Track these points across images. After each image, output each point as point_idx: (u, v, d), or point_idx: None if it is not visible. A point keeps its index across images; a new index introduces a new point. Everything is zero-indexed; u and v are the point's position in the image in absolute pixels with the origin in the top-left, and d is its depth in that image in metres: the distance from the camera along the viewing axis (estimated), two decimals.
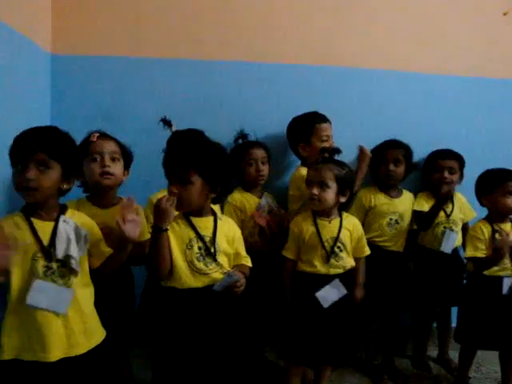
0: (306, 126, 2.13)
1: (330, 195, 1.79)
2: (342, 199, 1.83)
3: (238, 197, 2.06)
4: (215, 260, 1.51)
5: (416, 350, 2.40)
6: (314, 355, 1.80)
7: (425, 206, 2.26)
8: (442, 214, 2.25)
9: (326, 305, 1.77)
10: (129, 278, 1.76)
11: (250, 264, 1.64)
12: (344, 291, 1.80)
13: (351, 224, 1.89)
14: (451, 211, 2.27)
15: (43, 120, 2.05)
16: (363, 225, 2.23)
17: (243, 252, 1.64)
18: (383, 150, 2.26)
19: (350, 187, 1.85)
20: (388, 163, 2.24)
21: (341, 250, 1.83)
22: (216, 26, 2.25)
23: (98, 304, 1.47)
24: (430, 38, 2.41)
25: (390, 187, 2.29)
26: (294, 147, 2.19)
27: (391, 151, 2.26)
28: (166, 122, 1.97)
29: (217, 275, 1.51)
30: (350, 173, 1.87)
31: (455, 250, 2.26)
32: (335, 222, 1.85)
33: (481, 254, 1.98)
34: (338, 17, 2.35)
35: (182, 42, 2.23)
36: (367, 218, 2.25)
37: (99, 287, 1.51)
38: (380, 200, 2.25)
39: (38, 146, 1.29)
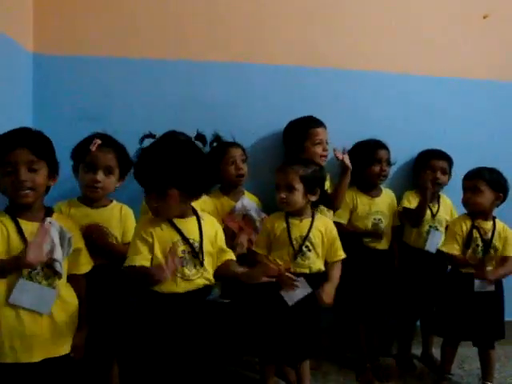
0: (300, 131, 2.16)
1: (298, 197, 1.82)
2: (313, 198, 1.85)
3: (210, 201, 2.00)
4: (202, 265, 1.49)
5: (400, 348, 2.43)
6: (280, 352, 1.84)
7: (413, 203, 2.29)
8: (427, 212, 2.29)
9: (290, 303, 1.79)
10: (115, 277, 1.71)
11: (234, 257, 1.62)
12: (309, 289, 1.81)
13: (324, 225, 1.89)
14: (437, 211, 2.31)
15: (25, 121, 2.01)
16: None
17: (225, 247, 1.63)
18: (373, 150, 2.27)
19: (319, 185, 1.87)
20: (381, 163, 2.26)
21: (309, 250, 1.84)
22: (203, 26, 2.24)
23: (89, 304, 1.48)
24: (414, 40, 2.44)
25: (371, 187, 2.31)
26: (290, 151, 2.21)
27: (381, 151, 2.28)
28: (150, 136, 1.92)
29: (199, 281, 1.49)
30: (317, 171, 1.89)
31: (439, 249, 2.28)
32: (306, 221, 1.87)
33: (456, 252, 2.02)
34: (324, 18, 2.36)
35: (169, 43, 2.21)
36: (351, 220, 2.27)
37: (90, 287, 1.51)
38: (362, 201, 2.28)
39: (25, 146, 1.31)
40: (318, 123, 2.18)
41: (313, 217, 1.88)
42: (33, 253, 1.20)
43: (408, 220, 2.31)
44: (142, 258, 1.43)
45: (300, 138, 2.15)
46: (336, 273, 1.89)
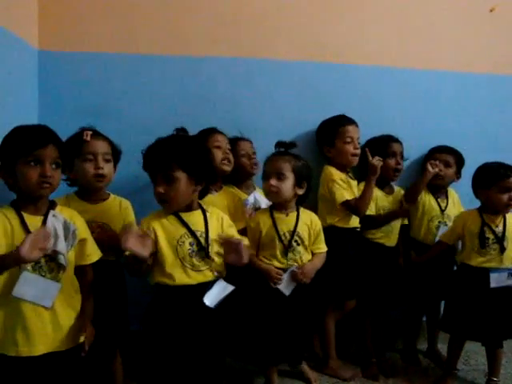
0: (331, 129, 2.19)
1: (288, 186, 1.80)
2: (300, 191, 1.85)
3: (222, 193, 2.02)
4: (208, 256, 1.51)
5: (406, 343, 2.42)
6: (277, 353, 1.84)
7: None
8: (437, 208, 2.29)
9: (287, 292, 1.80)
10: (119, 272, 1.75)
11: (247, 242, 1.65)
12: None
13: (309, 218, 1.89)
14: (446, 206, 2.30)
15: (31, 117, 2.02)
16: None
17: (237, 234, 1.64)
18: (386, 144, 2.26)
19: (306, 179, 1.86)
20: (396, 157, 2.26)
21: (298, 244, 1.85)
22: (208, 22, 2.23)
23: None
24: (421, 35, 2.43)
25: (385, 184, 2.30)
26: (320, 148, 2.24)
27: (395, 145, 2.27)
28: (181, 131, 1.88)
29: (209, 272, 1.51)
30: (307, 165, 1.88)
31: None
32: (292, 215, 1.86)
33: (447, 241, 2.06)
34: (329, 13, 2.34)
35: (174, 39, 2.21)
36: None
37: (96, 281, 1.51)
38: (379, 197, 2.26)
39: (55, 144, 1.35)
40: (348, 121, 2.19)
41: (298, 210, 1.88)
42: (27, 248, 1.18)
43: (404, 196, 2.28)
44: None
45: (331, 137, 2.17)
46: (317, 260, 1.89)
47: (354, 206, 2.09)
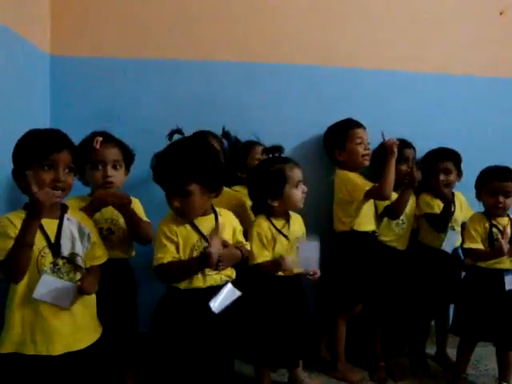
0: (341, 132, 2.21)
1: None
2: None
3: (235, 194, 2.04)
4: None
5: (414, 348, 2.41)
6: (286, 354, 1.83)
7: (434, 207, 2.25)
8: None
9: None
10: (129, 273, 1.78)
11: (248, 247, 1.68)
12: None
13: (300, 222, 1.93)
14: (453, 211, 2.27)
15: (42, 122, 2.05)
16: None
17: (243, 240, 1.67)
18: (399, 149, 2.20)
19: None
20: (408, 162, 2.26)
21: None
22: (217, 26, 2.26)
23: (98, 300, 1.49)
24: (428, 38, 2.43)
25: (396, 188, 2.27)
26: (330, 152, 2.26)
27: (408, 150, 2.28)
28: (177, 132, 1.88)
29: (217, 276, 1.53)
30: None
31: (455, 249, 2.27)
32: (292, 221, 1.87)
33: (477, 246, 1.99)
34: (337, 17, 2.36)
35: (183, 44, 2.24)
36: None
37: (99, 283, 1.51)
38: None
39: (70, 149, 1.38)
40: (357, 124, 2.22)
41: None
42: (43, 193, 1.22)
43: (433, 226, 2.25)
44: (170, 255, 1.47)
45: (341, 140, 2.20)
46: None
47: (376, 191, 2.08)
